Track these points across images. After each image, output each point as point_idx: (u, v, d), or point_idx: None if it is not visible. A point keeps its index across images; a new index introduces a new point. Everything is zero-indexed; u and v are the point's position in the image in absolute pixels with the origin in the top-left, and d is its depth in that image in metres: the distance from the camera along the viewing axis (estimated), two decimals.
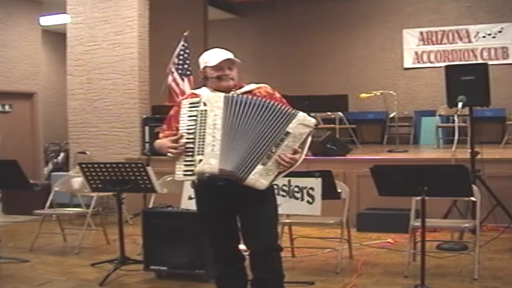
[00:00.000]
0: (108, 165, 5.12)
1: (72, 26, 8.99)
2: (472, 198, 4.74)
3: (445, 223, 5.60)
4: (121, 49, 8.64)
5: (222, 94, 3.17)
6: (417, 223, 4.54)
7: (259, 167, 3.09)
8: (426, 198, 4.11)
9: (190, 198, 4.46)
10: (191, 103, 3.19)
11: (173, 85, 8.46)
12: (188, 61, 8.47)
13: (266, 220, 3.32)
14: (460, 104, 5.67)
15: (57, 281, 4.89)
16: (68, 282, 4.88)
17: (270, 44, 13.00)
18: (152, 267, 4.87)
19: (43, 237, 6.30)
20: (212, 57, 3.36)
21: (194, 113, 3.14)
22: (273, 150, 3.10)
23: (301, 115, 3.16)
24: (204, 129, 3.10)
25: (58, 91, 13.06)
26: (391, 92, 10.44)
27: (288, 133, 3.11)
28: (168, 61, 8.51)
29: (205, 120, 3.11)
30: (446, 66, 6.27)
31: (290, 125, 3.12)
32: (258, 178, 3.08)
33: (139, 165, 5.08)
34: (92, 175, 5.20)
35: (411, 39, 12.18)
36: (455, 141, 5.69)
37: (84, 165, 5.29)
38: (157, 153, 3.50)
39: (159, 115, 8.49)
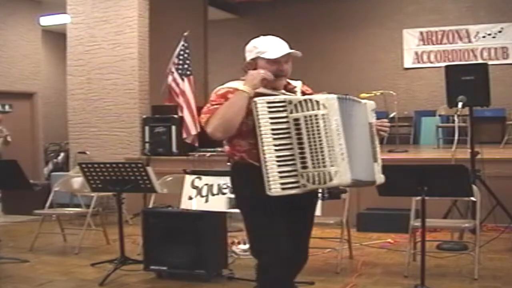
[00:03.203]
0: (108, 165, 5.12)
1: (72, 26, 8.99)
2: (472, 198, 4.74)
3: (445, 223, 5.60)
4: (121, 49, 8.64)
5: (335, 96, 2.85)
6: (417, 223, 4.53)
7: (375, 165, 3.04)
8: (426, 198, 4.11)
9: (190, 198, 4.46)
10: (283, 104, 2.78)
11: (173, 85, 8.47)
12: (188, 61, 8.47)
13: (310, 231, 3.23)
14: (460, 104, 5.67)
15: (57, 281, 4.88)
16: (68, 282, 4.89)
17: None
18: (152, 267, 4.87)
19: (43, 237, 6.30)
20: (270, 47, 3.00)
21: (295, 115, 2.75)
22: (374, 145, 3.05)
23: (367, 102, 3.08)
24: (320, 135, 2.74)
25: (58, 91, 13.06)
26: (391, 92, 10.42)
27: (371, 124, 3.06)
28: (168, 61, 8.52)
29: (323, 125, 2.74)
30: (446, 66, 6.28)
31: (368, 116, 3.05)
32: (380, 176, 3.07)
33: (139, 165, 5.08)
34: (92, 175, 5.20)
35: (411, 39, 12.19)
36: (455, 141, 5.68)
37: (84, 165, 5.29)
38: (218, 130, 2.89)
39: (159, 115, 8.51)
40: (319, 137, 2.75)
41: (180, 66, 8.45)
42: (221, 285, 4.67)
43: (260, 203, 2.87)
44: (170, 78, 8.49)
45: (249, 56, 3.05)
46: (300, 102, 2.77)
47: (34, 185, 6.51)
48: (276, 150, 2.74)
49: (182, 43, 8.47)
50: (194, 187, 4.45)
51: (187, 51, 8.47)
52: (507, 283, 4.48)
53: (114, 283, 4.74)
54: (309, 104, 2.76)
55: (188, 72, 8.45)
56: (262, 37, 3.06)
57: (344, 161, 2.76)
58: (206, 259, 4.71)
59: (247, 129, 2.88)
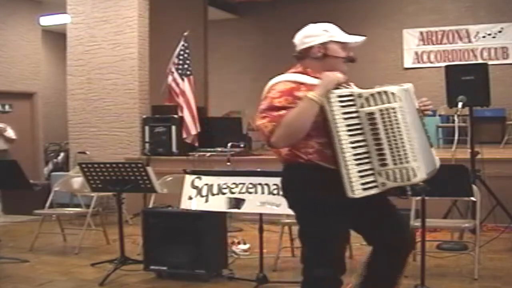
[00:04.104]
0: (108, 165, 5.12)
1: (72, 26, 8.99)
2: (472, 198, 4.74)
3: (445, 223, 5.60)
4: (121, 49, 8.64)
5: (400, 87, 2.68)
6: (417, 223, 4.53)
7: (432, 150, 2.85)
8: (426, 198, 4.11)
9: (190, 198, 4.45)
10: (352, 97, 2.59)
11: (173, 85, 8.48)
12: (188, 61, 8.48)
13: (392, 210, 2.98)
14: (460, 104, 5.67)
15: (57, 281, 4.88)
16: (68, 282, 4.89)
17: (270, 44, 12.99)
18: (152, 267, 4.87)
19: (43, 237, 6.30)
20: (341, 32, 2.80)
21: (368, 109, 2.57)
22: (425, 129, 2.84)
23: (409, 85, 2.83)
24: (400, 129, 2.57)
25: (58, 91, 13.06)
26: None
27: (418, 108, 2.85)
28: (168, 61, 8.52)
29: (401, 118, 2.57)
30: (446, 66, 6.28)
31: (414, 100, 2.83)
32: (437, 159, 2.90)
33: (139, 165, 5.08)
34: (92, 175, 5.20)
35: (411, 39, 12.18)
36: (455, 141, 5.68)
37: (84, 165, 5.29)
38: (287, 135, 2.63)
39: (159, 115, 8.51)
40: (399, 131, 2.56)
41: (180, 66, 8.45)
42: (221, 285, 4.67)
43: (329, 210, 2.69)
44: (170, 78, 8.50)
45: (316, 40, 2.79)
46: (372, 95, 2.58)
47: (34, 185, 6.50)
48: (352, 148, 2.55)
49: (182, 43, 8.47)
50: (194, 187, 4.44)
51: (187, 51, 8.48)
52: (507, 283, 4.48)
53: (114, 283, 4.74)
54: (384, 97, 2.58)
55: (188, 72, 8.45)
56: (322, 23, 2.84)
57: (420, 155, 2.60)
58: (206, 259, 4.71)
59: (315, 127, 2.63)
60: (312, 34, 2.81)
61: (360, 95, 2.59)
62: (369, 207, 2.74)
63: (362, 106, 2.57)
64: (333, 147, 2.56)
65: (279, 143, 2.66)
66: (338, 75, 2.66)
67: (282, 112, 2.61)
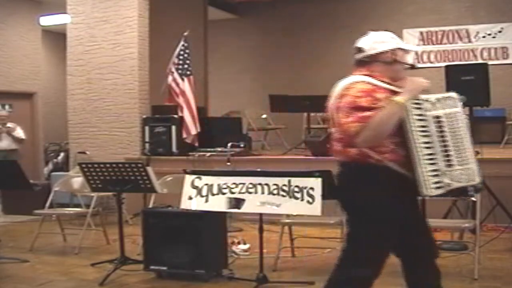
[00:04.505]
0: (108, 165, 5.12)
1: (72, 26, 8.99)
2: (472, 198, 4.74)
3: (445, 223, 5.60)
4: (121, 49, 8.64)
5: (455, 94, 2.88)
6: None
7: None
8: (426, 198, 4.11)
9: (190, 198, 4.45)
10: (420, 101, 2.75)
11: (173, 85, 8.47)
12: (188, 61, 8.47)
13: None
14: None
15: (57, 281, 4.88)
16: (68, 282, 4.89)
17: (270, 44, 12.99)
18: (152, 267, 4.87)
19: (43, 237, 6.30)
20: (402, 41, 3.04)
21: (435, 113, 2.74)
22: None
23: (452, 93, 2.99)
24: (461, 133, 2.78)
25: (58, 91, 13.05)
26: None
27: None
28: (168, 61, 8.52)
29: (462, 122, 2.79)
30: (446, 66, 6.29)
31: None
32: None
33: (139, 165, 5.08)
34: (92, 175, 5.20)
35: (411, 39, 12.16)
36: None
37: (84, 165, 5.29)
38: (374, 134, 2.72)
39: (159, 115, 8.51)
40: (460, 134, 2.73)
41: (180, 66, 8.45)
42: (221, 285, 4.67)
43: (391, 215, 2.80)
44: (170, 78, 8.49)
45: (386, 46, 2.95)
46: (438, 99, 2.74)
47: (34, 185, 6.51)
48: (425, 148, 2.67)
49: (182, 43, 8.47)
50: (194, 187, 4.44)
51: (187, 51, 8.47)
52: (507, 283, 4.48)
53: (114, 283, 4.74)
54: (449, 101, 2.76)
55: (188, 72, 8.45)
56: (380, 32, 3.05)
57: (473, 156, 2.78)
58: (206, 259, 4.71)
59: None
60: (383, 40, 2.97)
61: (427, 100, 2.74)
62: (415, 214, 2.93)
63: (429, 110, 2.73)
64: (408, 146, 2.68)
65: (365, 144, 2.75)
66: (423, 82, 2.82)
67: (368, 113, 2.70)
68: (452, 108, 2.73)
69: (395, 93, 2.79)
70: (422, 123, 2.68)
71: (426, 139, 2.67)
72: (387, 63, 2.91)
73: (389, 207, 2.81)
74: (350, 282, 2.87)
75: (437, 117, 2.70)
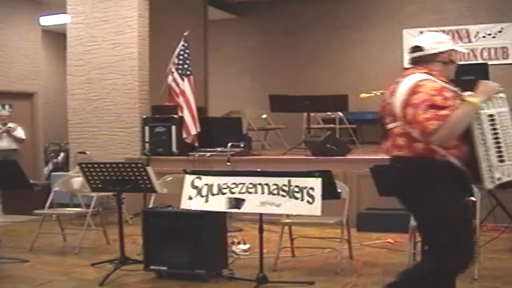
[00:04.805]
0: (108, 165, 5.12)
1: (72, 26, 8.99)
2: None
3: None
4: (121, 49, 8.64)
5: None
6: None
7: None
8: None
9: (190, 198, 4.45)
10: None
11: (173, 85, 8.47)
12: (188, 61, 8.48)
13: None
14: None
15: (57, 281, 4.88)
16: (68, 282, 4.88)
17: (270, 44, 13.00)
18: (152, 267, 4.87)
19: (43, 237, 6.30)
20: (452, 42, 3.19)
21: (488, 111, 2.95)
22: None
23: None
24: (506, 130, 2.94)
25: (58, 91, 13.06)
26: None
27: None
28: (168, 61, 8.52)
29: (506, 120, 2.96)
30: None
31: None
32: None
33: (139, 165, 5.08)
34: (92, 175, 5.20)
35: (411, 39, 12.17)
36: None
37: (84, 165, 5.29)
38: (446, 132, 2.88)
39: (159, 115, 8.51)
40: (509, 131, 2.90)
41: (180, 66, 8.45)
42: (221, 285, 4.67)
43: (462, 205, 3.01)
44: (170, 78, 8.50)
45: (445, 46, 3.11)
46: (490, 99, 2.94)
47: (34, 185, 6.51)
48: (481, 144, 2.88)
49: (182, 43, 8.47)
50: (194, 187, 4.44)
51: (187, 51, 8.47)
52: (507, 283, 4.48)
53: (114, 283, 4.74)
54: (500, 101, 2.94)
55: (188, 72, 8.45)
56: (433, 32, 3.24)
57: None
58: (206, 259, 4.71)
59: None
60: (442, 41, 3.13)
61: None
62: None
63: (482, 109, 2.92)
64: (472, 143, 2.88)
65: (439, 141, 2.88)
66: (496, 85, 3.04)
67: (444, 112, 2.84)
68: (502, 108, 2.93)
69: (455, 93, 2.97)
70: (477, 121, 2.89)
71: (481, 136, 2.89)
72: (444, 63, 3.06)
73: (457, 199, 2.98)
74: (451, 270, 3.00)
75: (491, 115, 2.90)
